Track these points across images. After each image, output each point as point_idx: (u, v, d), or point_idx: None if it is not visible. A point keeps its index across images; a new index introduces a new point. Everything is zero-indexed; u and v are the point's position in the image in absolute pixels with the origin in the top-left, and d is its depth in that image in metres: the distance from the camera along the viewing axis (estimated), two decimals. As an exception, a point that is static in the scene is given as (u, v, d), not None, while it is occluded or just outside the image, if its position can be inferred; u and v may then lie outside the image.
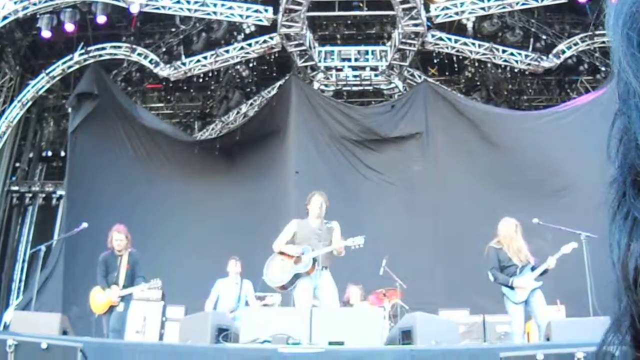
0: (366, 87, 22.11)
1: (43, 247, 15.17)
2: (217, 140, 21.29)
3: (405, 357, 8.28)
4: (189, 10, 19.56)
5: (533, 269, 11.16)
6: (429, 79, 21.82)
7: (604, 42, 20.49)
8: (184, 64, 21.42)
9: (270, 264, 11.17)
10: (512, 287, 11.04)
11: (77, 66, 21.23)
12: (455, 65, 22.69)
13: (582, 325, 9.81)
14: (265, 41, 20.91)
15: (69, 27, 19.52)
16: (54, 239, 18.30)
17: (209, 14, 19.78)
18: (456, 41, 20.62)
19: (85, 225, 14.01)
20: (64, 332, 10.30)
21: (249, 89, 23.84)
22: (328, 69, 21.65)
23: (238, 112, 23.15)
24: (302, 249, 10.92)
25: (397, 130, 19.87)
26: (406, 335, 9.23)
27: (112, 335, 12.04)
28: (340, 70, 21.74)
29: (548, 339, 9.55)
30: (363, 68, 21.69)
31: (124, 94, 22.06)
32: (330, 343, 8.69)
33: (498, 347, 9.38)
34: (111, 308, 12.35)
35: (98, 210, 19.12)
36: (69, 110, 21.23)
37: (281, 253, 11.11)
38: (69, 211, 19.28)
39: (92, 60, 21.09)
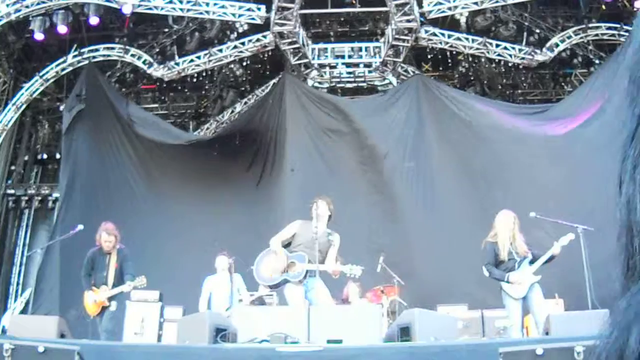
0: (360, 84, 22.12)
1: (39, 250, 15.20)
2: (215, 140, 21.20)
3: (404, 354, 8.26)
4: (181, 10, 19.55)
5: (532, 262, 11.14)
6: (423, 74, 21.80)
7: (597, 35, 20.55)
8: (177, 64, 21.42)
9: (263, 259, 11.14)
10: (509, 282, 11.02)
11: (70, 68, 21.25)
12: (449, 61, 22.66)
13: (581, 318, 9.79)
14: (258, 40, 20.92)
15: (62, 29, 19.50)
16: (50, 241, 18.22)
17: (201, 13, 19.77)
18: (449, 36, 20.61)
19: (80, 227, 13.96)
20: (62, 335, 10.27)
21: (243, 88, 23.81)
22: (322, 66, 21.65)
23: (232, 112, 23.14)
24: (296, 257, 10.89)
25: (389, 120, 19.83)
26: (404, 332, 9.21)
27: (105, 336, 12.01)
28: (334, 67, 21.75)
29: (547, 333, 9.54)
30: (357, 65, 21.70)
31: (119, 95, 21.97)
32: (329, 341, 8.67)
33: (497, 342, 9.37)
34: (104, 309, 12.35)
35: (94, 212, 19.08)
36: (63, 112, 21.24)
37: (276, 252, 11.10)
38: (65, 213, 19.22)
39: (85, 62, 21.06)
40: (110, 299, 12.35)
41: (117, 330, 13.10)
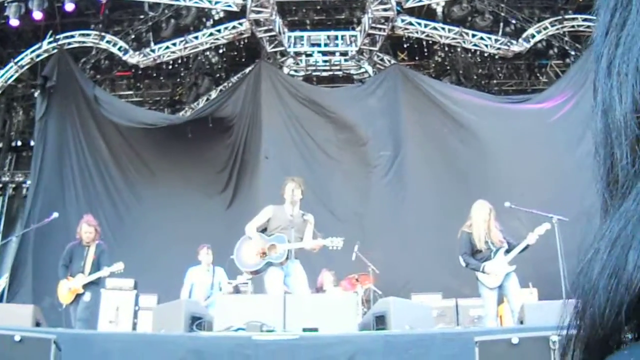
0: (336, 72, 22.06)
1: (14, 238, 15.13)
2: (188, 125, 21.03)
3: (380, 343, 8.29)
4: (157, -4, 19.49)
5: (507, 252, 11.20)
6: (399, 64, 21.78)
7: (573, 27, 20.59)
8: (153, 50, 21.28)
9: (242, 246, 11.13)
10: (484, 272, 11.08)
11: (45, 55, 21.03)
12: (425, 50, 22.66)
13: (555, 308, 9.78)
14: (234, 27, 20.80)
15: (37, 15, 19.33)
16: (24, 229, 18.09)
17: (177, 0, 19.68)
18: (426, 26, 20.60)
19: (55, 215, 14.01)
20: (37, 324, 10.27)
21: (218, 76, 23.69)
22: (298, 54, 21.59)
23: (208, 99, 23.00)
24: (276, 239, 10.91)
25: (367, 110, 19.85)
26: (380, 321, 9.26)
27: (80, 325, 12.10)
28: (310, 55, 21.70)
29: (522, 322, 9.61)
30: (333, 53, 21.66)
31: (87, 79, 21.75)
32: (305, 330, 8.70)
33: (473, 331, 9.42)
34: (77, 297, 12.50)
35: (67, 199, 19.07)
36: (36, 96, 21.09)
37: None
38: (37, 200, 19.07)
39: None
40: (85, 286, 12.49)
41: (92, 320, 13.13)
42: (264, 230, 11.23)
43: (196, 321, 9.28)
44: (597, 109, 0.85)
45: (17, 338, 6.87)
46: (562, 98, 18.70)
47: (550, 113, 18.61)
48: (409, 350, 8.04)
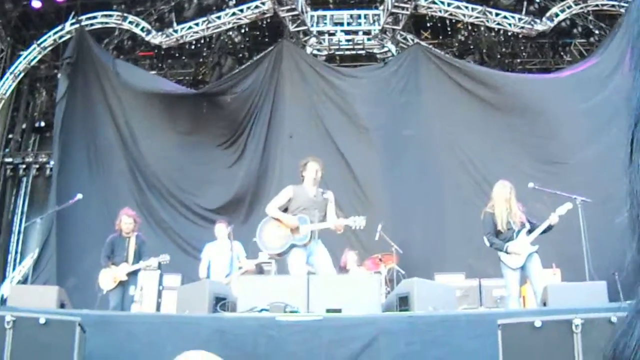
0: (359, 52, 21.96)
1: (38, 220, 15.19)
2: (205, 97, 21.02)
3: (403, 323, 8.30)
4: (180, -24, 19.48)
5: (529, 232, 11.18)
6: (422, 42, 21.69)
7: (597, 5, 20.41)
8: (175, 31, 21.29)
9: (264, 228, 11.06)
10: (507, 252, 11.07)
11: (68, 36, 21.08)
12: (449, 29, 22.58)
13: (578, 289, 9.90)
14: (257, 6, 20.80)
15: (60, -4, 19.42)
16: (48, 210, 18.10)
17: (199, -20, 19.69)
18: (449, 4, 20.50)
19: (80, 196, 14.09)
20: (62, 305, 10.35)
21: (241, 55, 23.63)
22: (320, 33, 21.51)
23: (231, 78, 23.00)
24: (298, 220, 10.87)
25: (389, 89, 19.75)
26: (403, 302, 9.25)
27: None
28: (333, 34, 21.60)
29: (545, 304, 9.60)
30: (356, 32, 21.55)
31: (107, 54, 21.64)
32: (328, 310, 8.71)
33: (496, 313, 9.42)
34: (120, 284, 13.09)
35: (88, 179, 19.08)
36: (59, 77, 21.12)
37: (277, 219, 11.05)
38: (60, 181, 19.06)
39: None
40: (128, 274, 13.11)
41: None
42: (284, 211, 11.18)
43: (220, 302, 9.31)
44: (632, 168, 0.84)
45: (42, 321, 6.92)
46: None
47: (578, 92, 18.48)
48: (432, 331, 8.06)
